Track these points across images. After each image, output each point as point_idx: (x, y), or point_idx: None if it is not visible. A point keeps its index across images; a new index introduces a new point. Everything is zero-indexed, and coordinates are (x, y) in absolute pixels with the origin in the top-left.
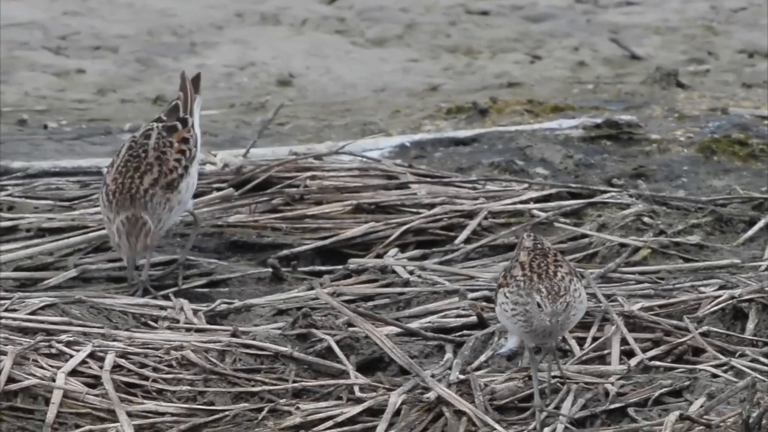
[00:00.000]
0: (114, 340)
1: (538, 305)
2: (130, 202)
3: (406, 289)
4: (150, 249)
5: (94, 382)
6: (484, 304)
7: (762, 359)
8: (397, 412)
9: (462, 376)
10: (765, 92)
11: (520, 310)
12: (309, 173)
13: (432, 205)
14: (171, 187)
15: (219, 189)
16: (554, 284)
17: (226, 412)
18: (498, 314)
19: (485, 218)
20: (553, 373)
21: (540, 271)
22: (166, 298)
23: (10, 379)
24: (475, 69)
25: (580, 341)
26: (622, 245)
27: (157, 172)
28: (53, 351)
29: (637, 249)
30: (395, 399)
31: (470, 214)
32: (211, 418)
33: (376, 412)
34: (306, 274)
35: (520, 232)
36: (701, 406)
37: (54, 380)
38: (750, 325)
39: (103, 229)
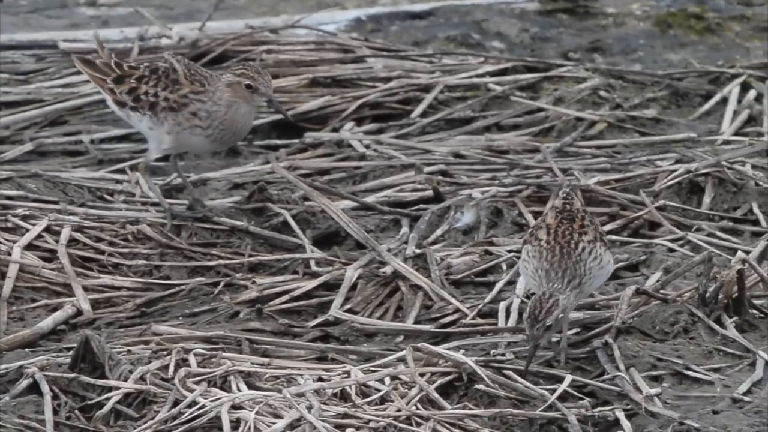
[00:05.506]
0: (70, 214)
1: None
2: None
3: (362, 163)
4: None
5: (50, 256)
6: (440, 178)
7: (718, 233)
8: (353, 287)
9: (418, 251)
10: None
11: (536, 276)
12: (265, 47)
13: (388, 79)
14: None
15: None
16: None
17: (182, 286)
18: (520, 267)
19: (441, 92)
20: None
21: (563, 242)
22: (122, 171)
23: None
24: None
25: (537, 216)
26: (579, 119)
27: None
28: (9, 225)
29: (593, 123)
30: (351, 273)
31: (426, 88)
32: (167, 293)
33: (332, 286)
34: (262, 147)
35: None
36: (658, 281)
37: (10, 254)
38: (706, 199)
39: (59, 102)
